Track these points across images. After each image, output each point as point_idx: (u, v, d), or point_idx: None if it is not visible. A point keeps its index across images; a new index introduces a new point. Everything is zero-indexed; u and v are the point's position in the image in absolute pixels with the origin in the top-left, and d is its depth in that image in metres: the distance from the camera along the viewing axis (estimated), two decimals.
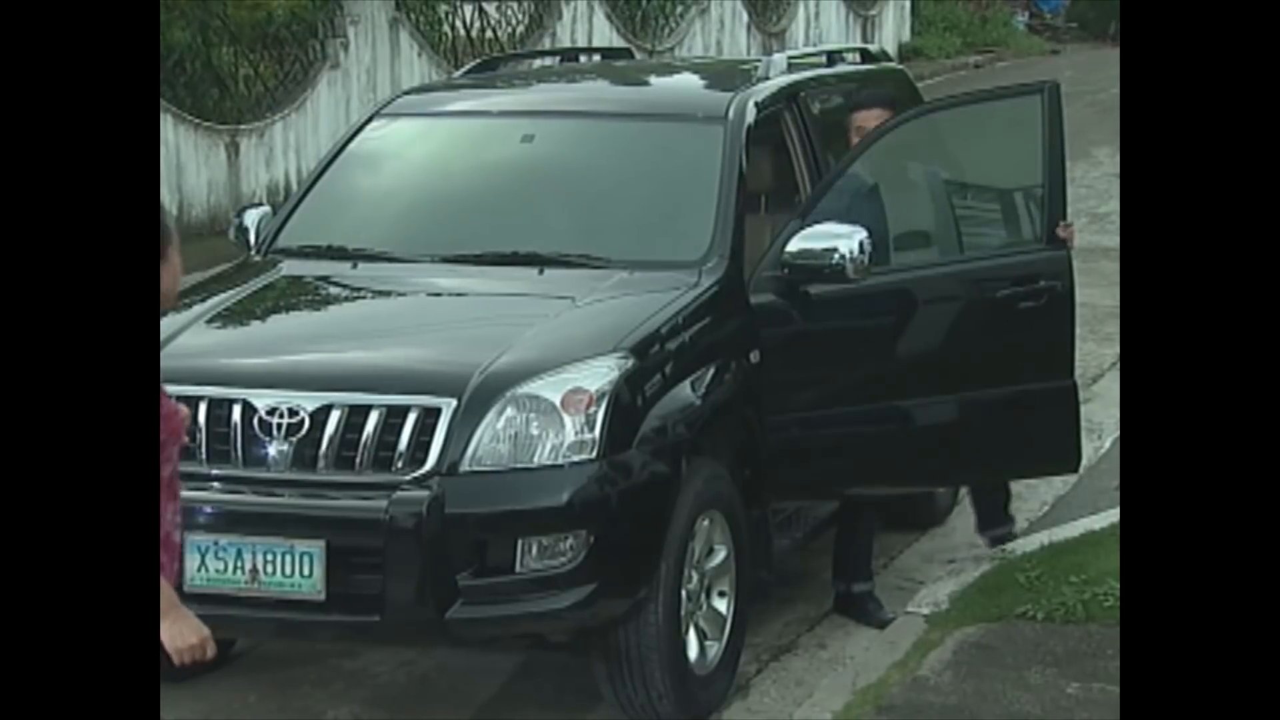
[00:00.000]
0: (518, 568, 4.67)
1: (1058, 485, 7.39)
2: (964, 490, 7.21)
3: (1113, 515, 6.54)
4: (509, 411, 4.72)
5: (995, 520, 6.61)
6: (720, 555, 5.21)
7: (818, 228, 5.55)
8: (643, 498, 4.84)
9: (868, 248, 5.50)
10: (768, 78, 6.32)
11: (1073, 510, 6.96)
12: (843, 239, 5.49)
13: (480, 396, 4.71)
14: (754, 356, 5.48)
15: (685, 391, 5.10)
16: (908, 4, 28.06)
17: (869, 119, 6.15)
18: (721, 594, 5.23)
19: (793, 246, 5.53)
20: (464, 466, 4.67)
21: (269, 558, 4.68)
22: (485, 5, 17.46)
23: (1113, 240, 13.40)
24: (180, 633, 3.34)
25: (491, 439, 4.69)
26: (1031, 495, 7.20)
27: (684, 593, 5.01)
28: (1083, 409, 8.54)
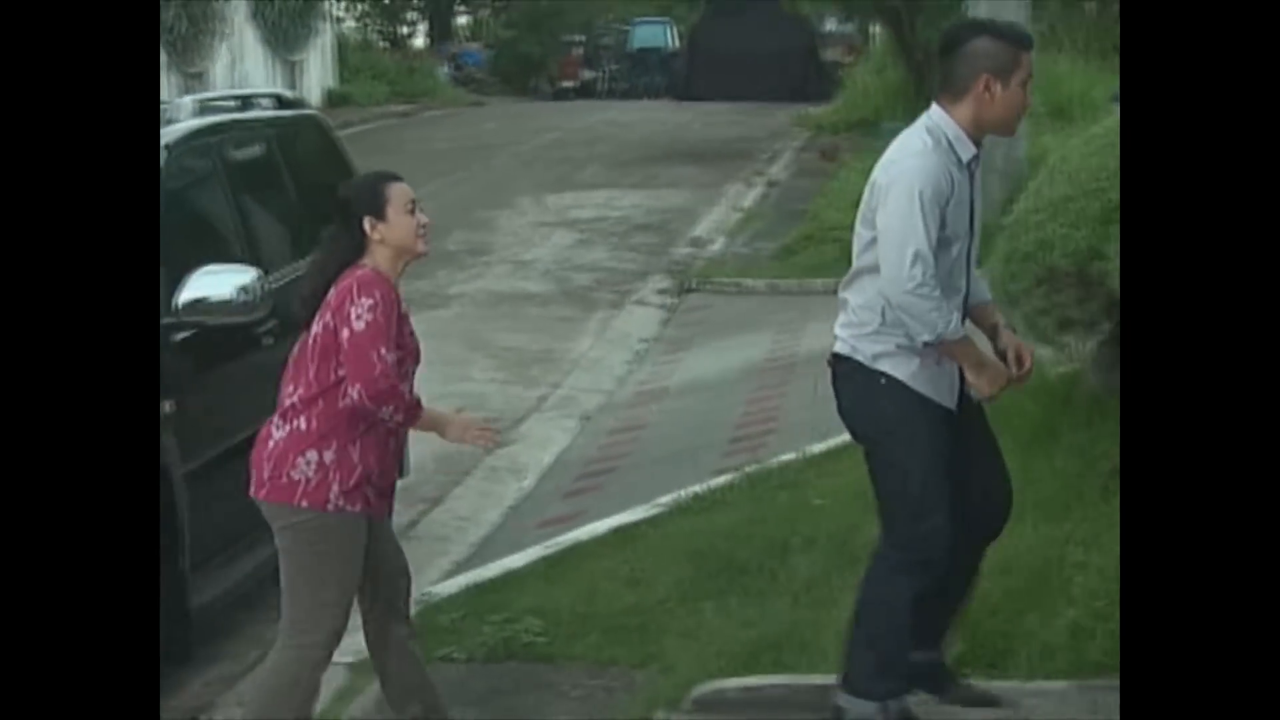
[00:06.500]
0: None
1: (485, 526, 7.52)
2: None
3: (533, 553, 6.71)
4: None
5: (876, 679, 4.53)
6: None
7: (209, 269, 5.57)
8: None
9: (263, 282, 5.70)
10: (176, 120, 6.17)
11: (498, 550, 7.09)
12: (237, 277, 5.63)
13: None
14: (168, 406, 5.31)
15: None
16: (332, 51, 28.08)
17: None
18: None
19: (187, 293, 5.49)
20: None
21: None
22: None
23: (537, 287, 13.82)
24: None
25: None
26: (459, 538, 7.28)
27: None
28: (509, 450, 8.85)
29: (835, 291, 4.58)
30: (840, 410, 4.53)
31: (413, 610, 6.06)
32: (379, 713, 5.05)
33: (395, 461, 4.61)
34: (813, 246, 14.64)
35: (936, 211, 4.23)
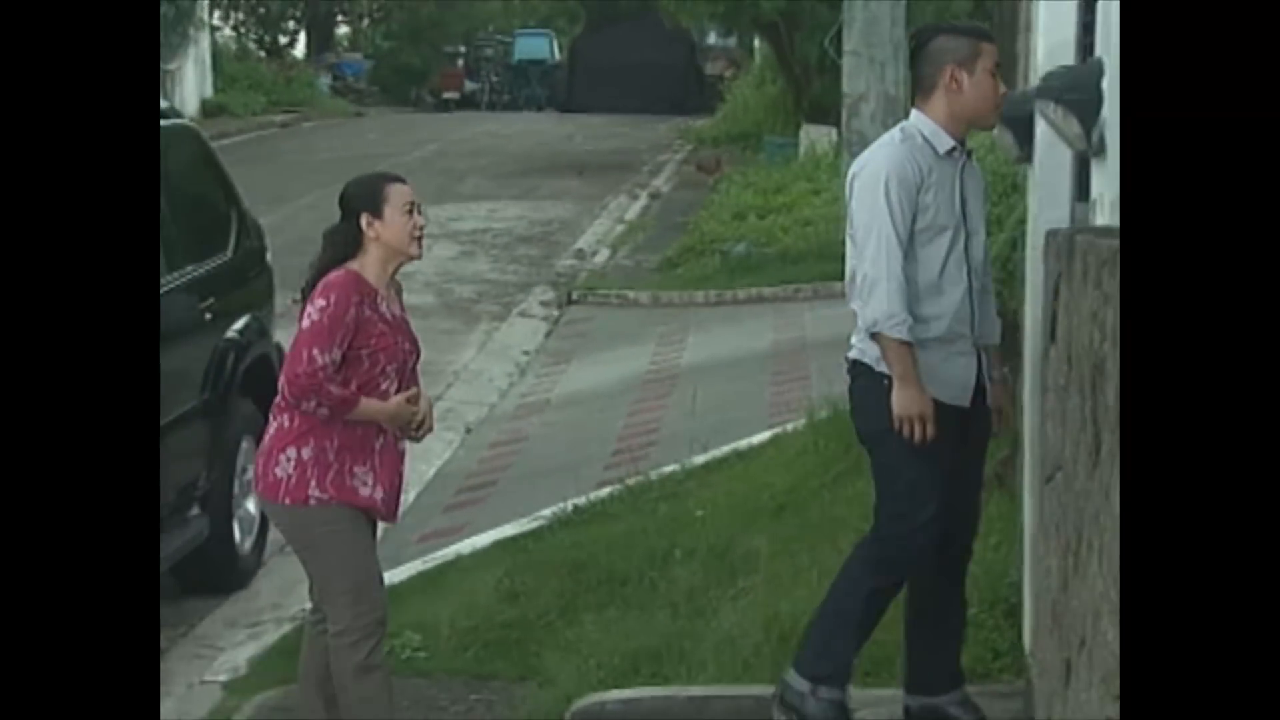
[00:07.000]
0: None
1: None
2: (269, 551, 7.11)
3: (413, 567, 6.65)
4: None
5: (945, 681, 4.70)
6: None
7: None
8: None
9: None
10: None
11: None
12: None
13: None
14: None
15: None
16: (208, 60, 27.73)
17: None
18: None
19: None
20: None
21: None
22: None
23: (419, 299, 13.70)
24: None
25: None
26: None
27: None
28: None
29: (716, 303, 4.61)
30: (850, 410, 4.66)
31: (289, 627, 6.01)
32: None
33: (391, 456, 4.62)
34: (694, 258, 14.67)
35: (904, 198, 4.34)
